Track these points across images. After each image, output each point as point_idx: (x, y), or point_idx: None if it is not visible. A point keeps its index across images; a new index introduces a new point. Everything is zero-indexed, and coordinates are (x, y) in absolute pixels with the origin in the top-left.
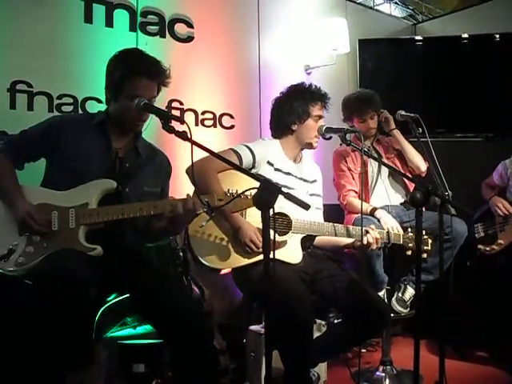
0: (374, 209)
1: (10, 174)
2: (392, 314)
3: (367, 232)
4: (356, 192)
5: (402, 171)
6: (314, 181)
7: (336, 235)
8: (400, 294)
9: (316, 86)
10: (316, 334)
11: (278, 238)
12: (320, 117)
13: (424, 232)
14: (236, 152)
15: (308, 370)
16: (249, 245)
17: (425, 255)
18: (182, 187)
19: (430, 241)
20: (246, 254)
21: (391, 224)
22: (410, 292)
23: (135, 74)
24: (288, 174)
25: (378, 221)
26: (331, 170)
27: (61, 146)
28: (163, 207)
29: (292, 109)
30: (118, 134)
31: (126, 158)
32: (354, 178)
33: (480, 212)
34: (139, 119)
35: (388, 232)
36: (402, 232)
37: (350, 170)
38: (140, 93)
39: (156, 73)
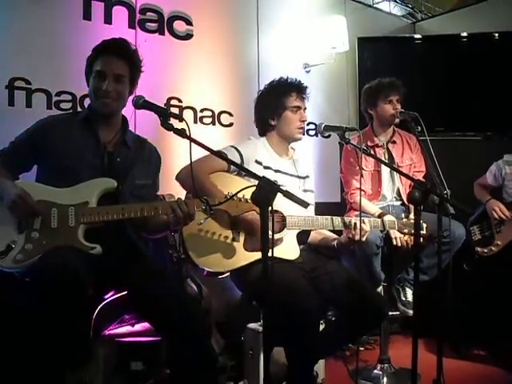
0: (383, 214)
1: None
2: (391, 313)
3: (356, 224)
4: (365, 192)
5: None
6: (307, 176)
7: (329, 228)
8: (403, 298)
9: (290, 78)
10: None
11: (274, 236)
12: (298, 107)
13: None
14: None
15: (313, 366)
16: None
17: (420, 239)
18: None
19: (424, 225)
20: (244, 253)
21: (399, 234)
22: (410, 292)
23: (99, 53)
24: (277, 171)
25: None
26: (331, 168)
27: (49, 146)
28: (164, 209)
29: (267, 104)
30: (104, 128)
31: (115, 153)
32: (363, 176)
33: (475, 214)
34: (107, 96)
35: (382, 220)
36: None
37: (362, 168)
38: (104, 68)
39: (121, 52)
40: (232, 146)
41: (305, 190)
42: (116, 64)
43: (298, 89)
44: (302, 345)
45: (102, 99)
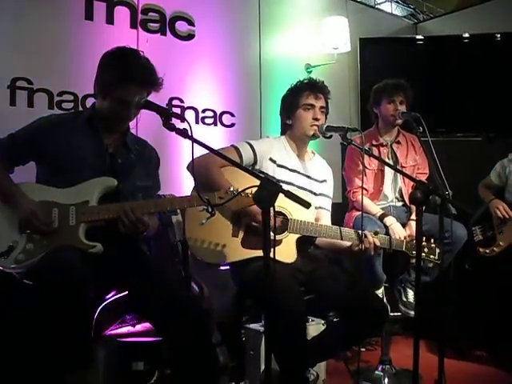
0: (384, 215)
1: (5, 174)
2: (392, 313)
3: (365, 236)
4: (367, 190)
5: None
6: (324, 181)
7: (333, 237)
8: (404, 299)
9: (308, 78)
10: (315, 334)
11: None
12: (311, 105)
13: (432, 240)
14: (236, 148)
15: (303, 368)
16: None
17: (430, 264)
18: (183, 184)
19: (437, 250)
20: (242, 249)
21: (400, 234)
22: (411, 293)
23: (125, 81)
24: (293, 170)
25: (386, 227)
26: (332, 169)
27: (51, 146)
28: (164, 206)
29: (283, 105)
30: (106, 130)
31: (117, 154)
32: (366, 175)
33: (477, 215)
34: (122, 119)
35: (390, 238)
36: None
37: (365, 167)
38: (127, 98)
39: (147, 83)
40: (247, 142)
41: (319, 194)
42: (141, 93)
43: (312, 87)
44: (284, 345)
45: (120, 122)
